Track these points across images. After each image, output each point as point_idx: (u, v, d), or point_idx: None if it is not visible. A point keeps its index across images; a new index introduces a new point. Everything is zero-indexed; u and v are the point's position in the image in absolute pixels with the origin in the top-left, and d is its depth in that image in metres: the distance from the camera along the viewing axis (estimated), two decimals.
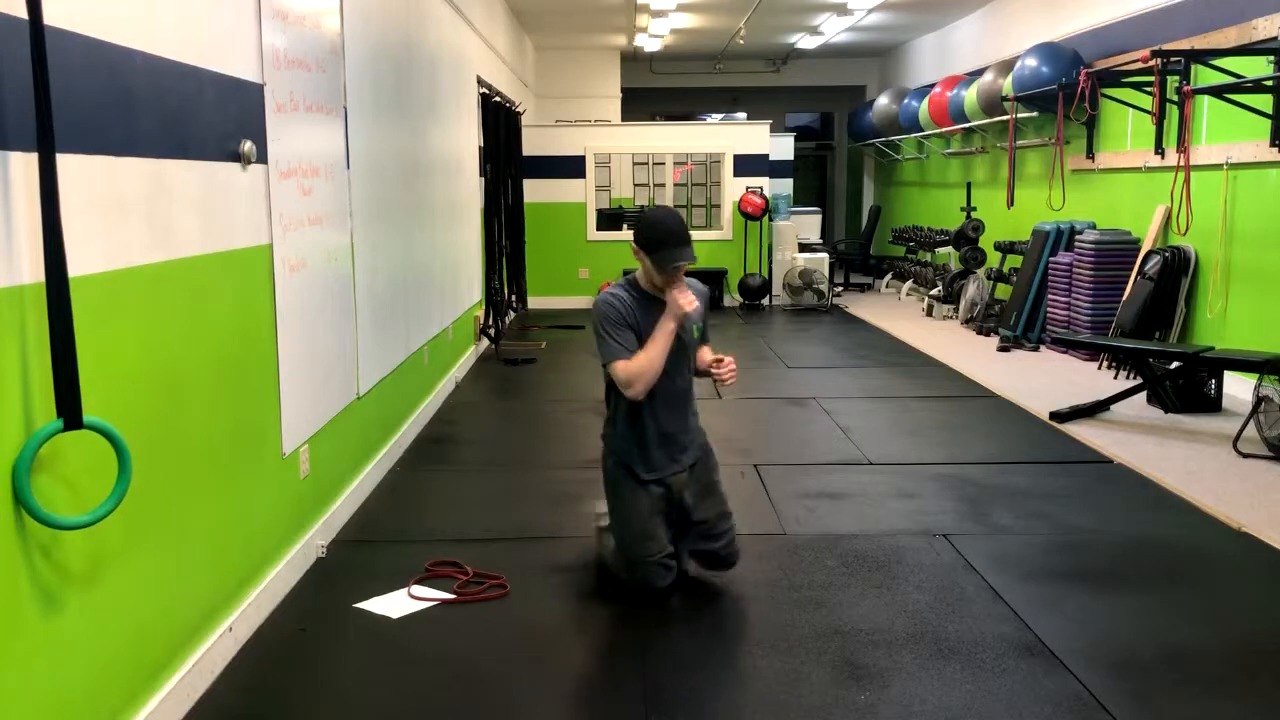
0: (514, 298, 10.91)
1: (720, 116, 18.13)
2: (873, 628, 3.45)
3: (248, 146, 3.35)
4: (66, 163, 2.28)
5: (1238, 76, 6.49)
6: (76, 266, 2.30)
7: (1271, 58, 6.38)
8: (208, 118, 3.12)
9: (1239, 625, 3.48)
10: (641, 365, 3.53)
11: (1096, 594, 3.73)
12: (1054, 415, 6.30)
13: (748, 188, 11.97)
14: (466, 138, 8.36)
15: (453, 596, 3.69)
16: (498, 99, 9.65)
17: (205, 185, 3.09)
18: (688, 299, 3.50)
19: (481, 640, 3.39)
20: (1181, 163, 6.79)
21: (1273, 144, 6.40)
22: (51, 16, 2.21)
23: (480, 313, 9.02)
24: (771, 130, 12.54)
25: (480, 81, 8.90)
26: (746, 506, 4.68)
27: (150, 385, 2.76)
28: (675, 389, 3.69)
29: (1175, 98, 7.23)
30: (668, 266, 3.49)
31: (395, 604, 3.64)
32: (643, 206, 13.68)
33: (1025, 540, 4.28)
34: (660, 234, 3.50)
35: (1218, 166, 6.98)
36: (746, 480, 5.10)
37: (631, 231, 3.54)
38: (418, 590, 3.73)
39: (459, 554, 4.04)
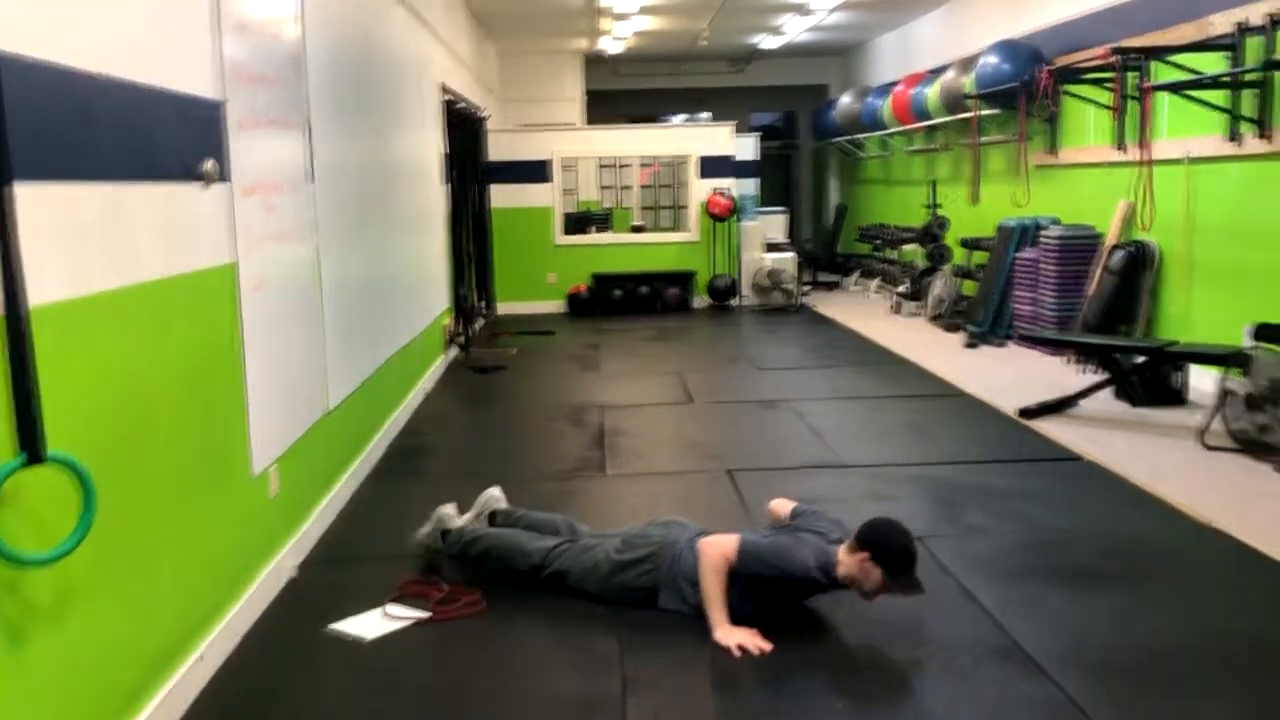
0: (482, 304, 10.86)
1: (684, 117, 18.14)
2: (851, 635, 3.45)
3: (209, 165, 3.30)
4: (22, 190, 2.24)
5: (1195, 72, 6.56)
6: (35, 296, 2.26)
7: (1227, 53, 6.45)
8: (167, 138, 3.07)
9: (1212, 624, 3.51)
10: (709, 583, 3.44)
11: (1070, 594, 3.75)
12: (1023, 412, 6.34)
13: (714, 189, 11.98)
14: (431, 145, 8.31)
15: (428, 615, 3.65)
16: (461, 105, 9.60)
17: (166, 207, 3.05)
18: (756, 648, 3.31)
19: (459, 660, 3.36)
20: (1143, 158, 6.85)
21: (1230, 139, 6.48)
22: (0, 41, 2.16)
23: (449, 321, 8.97)
24: (736, 130, 12.55)
25: (443, 88, 8.85)
26: (722, 514, 4.67)
27: (114, 414, 2.71)
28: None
29: (1135, 94, 7.31)
30: (910, 592, 3.36)
31: (370, 625, 3.60)
32: (610, 210, 13.68)
33: (999, 541, 4.30)
34: (909, 558, 3.35)
35: (1178, 161, 7.05)
36: (721, 487, 5.09)
37: (866, 538, 3.38)
38: (392, 610, 3.68)
39: (433, 570, 4.00)
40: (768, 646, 3.30)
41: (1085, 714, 2.89)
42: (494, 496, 4.27)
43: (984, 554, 4.14)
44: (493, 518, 4.20)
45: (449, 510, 4.09)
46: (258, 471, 3.78)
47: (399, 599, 3.76)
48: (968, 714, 2.96)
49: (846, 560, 3.40)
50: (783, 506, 3.88)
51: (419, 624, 3.59)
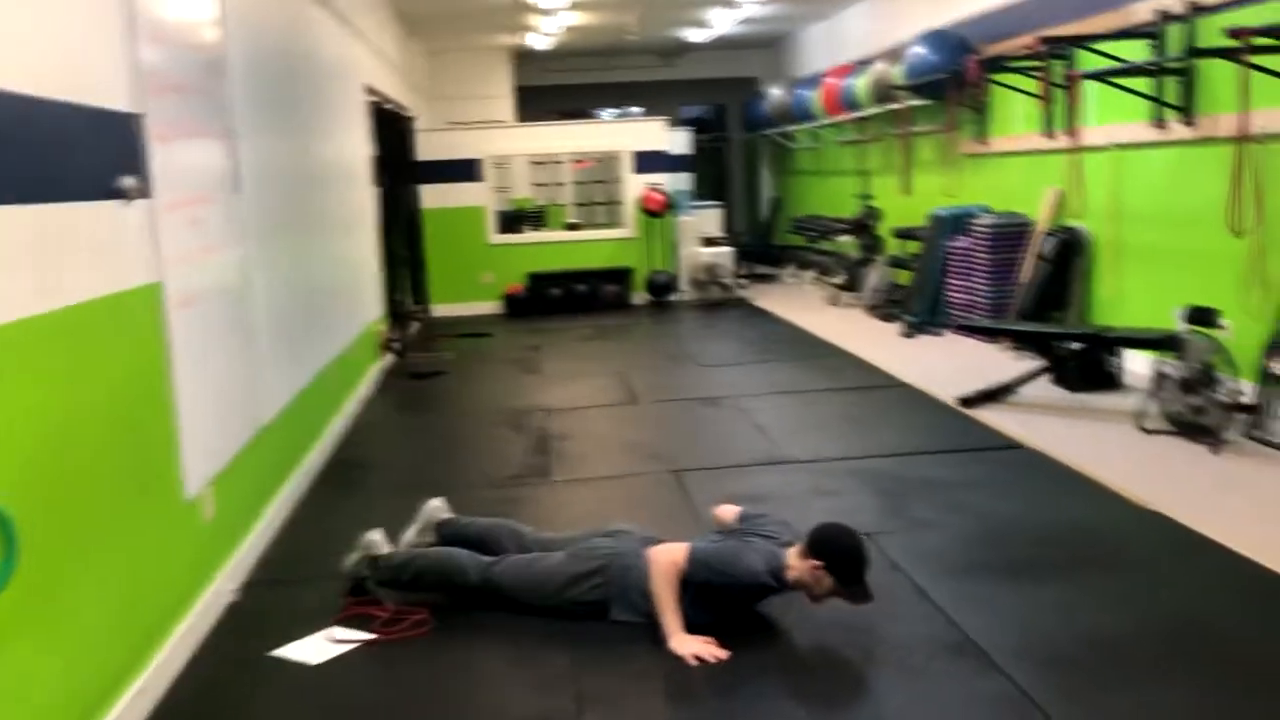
0: (417, 307, 10.71)
1: (614, 112, 18.05)
2: (805, 637, 3.43)
3: (129, 182, 3.17)
4: None
5: (1121, 60, 6.65)
6: None
7: (1151, 41, 6.55)
8: (83, 156, 2.95)
9: (1158, 609, 3.54)
10: (662, 592, 3.40)
11: (1019, 586, 3.77)
12: (963, 401, 6.39)
13: (648, 184, 11.93)
14: (359, 148, 8.16)
15: (374, 636, 3.56)
16: (389, 105, 9.44)
17: (85, 228, 2.92)
18: (712, 656, 3.27)
19: (408, 682, 3.28)
20: (1072, 146, 6.94)
21: (1156, 125, 6.58)
22: None
23: (384, 326, 8.82)
24: (668, 124, 12.51)
25: (369, 90, 8.69)
26: (670, 515, 4.64)
27: (37, 447, 2.59)
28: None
29: (1063, 82, 7.40)
30: (860, 601, 3.36)
31: (314, 649, 3.50)
32: (543, 208, 13.57)
33: (945, 534, 4.31)
34: (860, 568, 3.34)
35: (1105, 148, 7.15)
36: (668, 489, 5.05)
37: (818, 546, 3.35)
38: (337, 632, 3.59)
39: (376, 588, 3.90)
40: (724, 654, 3.27)
41: (1040, 709, 2.90)
42: (436, 508, 4.17)
43: (932, 548, 4.15)
44: (439, 528, 4.11)
45: (376, 537, 3.91)
46: (192, 495, 3.66)
47: (344, 621, 3.67)
48: (924, 713, 2.95)
49: (798, 565, 3.38)
50: (728, 512, 3.85)
51: (365, 646, 3.50)
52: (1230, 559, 3.91)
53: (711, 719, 2.99)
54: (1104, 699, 2.95)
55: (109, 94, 3.16)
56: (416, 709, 3.11)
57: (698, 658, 3.25)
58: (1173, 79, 6.38)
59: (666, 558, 3.44)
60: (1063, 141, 7.60)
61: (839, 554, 3.33)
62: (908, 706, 2.98)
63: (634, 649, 3.39)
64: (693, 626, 3.38)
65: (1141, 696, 2.96)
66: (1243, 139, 5.40)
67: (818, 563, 3.32)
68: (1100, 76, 6.69)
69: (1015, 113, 8.55)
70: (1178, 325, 5.64)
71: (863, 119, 11.71)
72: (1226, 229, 5.70)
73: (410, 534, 4.10)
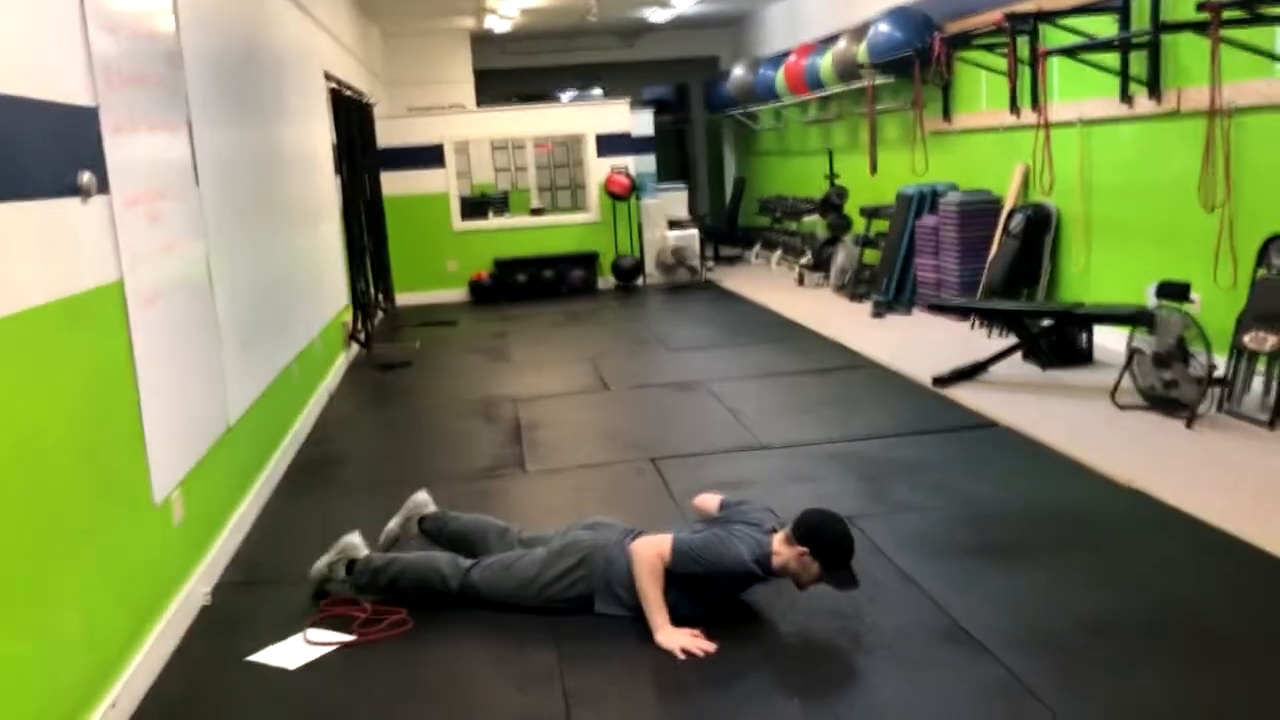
0: (380, 297, 10.56)
1: (573, 94, 17.90)
2: (792, 627, 3.39)
3: (86, 178, 3.05)
4: None
5: (1086, 35, 6.64)
6: None
7: (1115, 15, 6.54)
8: (37, 152, 2.82)
9: (1145, 589, 3.53)
10: (647, 586, 3.33)
11: (1004, 569, 3.75)
12: (936, 380, 6.37)
13: (612, 167, 11.83)
14: (319, 136, 8.01)
15: (352, 638, 3.47)
16: (349, 93, 9.27)
17: (42, 227, 2.80)
18: (700, 650, 3.21)
19: (389, 685, 3.20)
20: (1040, 122, 6.92)
21: (1122, 100, 6.58)
22: None
23: (348, 317, 8.68)
24: (631, 105, 12.41)
25: (328, 76, 8.52)
26: (649, 505, 4.59)
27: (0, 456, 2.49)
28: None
29: (1028, 58, 7.38)
30: (846, 588, 3.31)
31: (291, 652, 3.41)
32: (506, 192, 13.43)
33: (927, 517, 4.28)
34: (846, 554, 3.30)
35: (1071, 124, 7.15)
36: (646, 477, 4.99)
37: (804, 533, 3.30)
38: (314, 634, 3.50)
39: (352, 591, 3.81)
40: (711, 647, 3.22)
41: (1034, 695, 2.87)
42: (421, 502, 4.10)
43: (915, 532, 4.12)
44: (421, 522, 4.03)
45: (354, 540, 3.83)
46: (160, 499, 3.55)
47: (321, 622, 3.58)
48: (920, 701, 2.92)
49: (784, 552, 3.34)
50: (709, 501, 3.80)
51: (344, 648, 3.42)
52: (1212, 535, 3.91)
53: (705, 715, 2.93)
54: (1100, 685, 2.92)
55: (62, 87, 3.03)
56: (400, 712, 3.03)
57: (685, 651, 3.20)
58: (1139, 54, 6.38)
59: (650, 551, 3.38)
60: (1028, 118, 7.59)
61: (825, 540, 3.29)
62: (904, 697, 2.94)
63: (620, 643, 3.33)
64: (679, 618, 3.32)
65: (1137, 680, 2.94)
66: (1214, 113, 5.40)
67: (804, 549, 3.28)
68: (1068, 52, 6.67)
69: (979, 89, 8.54)
70: (1149, 300, 5.65)
71: (826, 98, 11.66)
72: (1197, 203, 5.71)
73: (393, 524, 4.04)
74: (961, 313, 7.95)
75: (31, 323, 2.70)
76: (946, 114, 9.03)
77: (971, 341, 7.44)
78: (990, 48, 7.86)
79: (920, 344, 7.61)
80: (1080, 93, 7.06)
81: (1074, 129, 7.14)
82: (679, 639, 3.24)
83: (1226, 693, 2.87)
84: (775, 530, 3.45)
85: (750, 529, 3.46)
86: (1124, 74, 6.51)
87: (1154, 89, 6.26)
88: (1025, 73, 7.56)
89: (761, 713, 2.89)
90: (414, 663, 3.32)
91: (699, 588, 3.39)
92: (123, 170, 3.38)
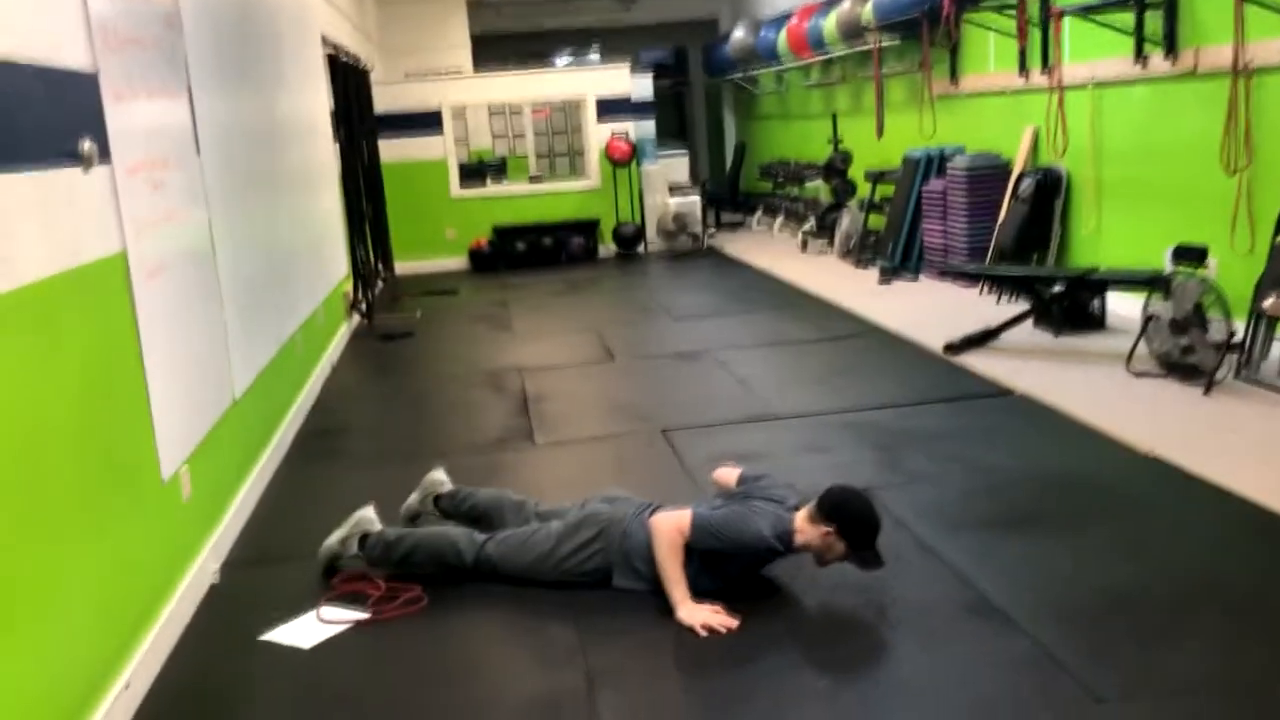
0: (380, 265, 10.44)
1: (568, 58, 17.69)
2: (814, 601, 3.33)
3: (88, 146, 2.95)
4: None
5: None
6: None
7: None
8: (36, 119, 2.72)
9: (1170, 559, 3.47)
10: (667, 561, 3.26)
11: (1026, 539, 3.69)
12: (947, 347, 6.29)
13: (613, 132, 11.68)
14: (317, 102, 7.87)
15: (367, 616, 3.41)
16: (345, 58, 9.11)
17: (43, 197, 2.71)
18: (722, 626, 3.15)
19: (407, 663, 3.14)
20: (1054, 83, 6.81)
21: (1136, 60, 6.46)
22: None
23: (349, 287, 8.58)
24: (631, 69, 12.24)
25: (325, 40, 8.37)
26: (662, 477, 4.53)
27: (3, 436, 2.40)
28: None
29: (1039, 18, 7.25)
30: (871, 568, 3.25)
31: (305, 631, 3.35)
32: (504, 159, 13.27)
33: (946, 488, 4.22)
34: (874, 533, 3.24)
35: (1083, 85, 7.03)
36: (657, 449, 4.92)
37: (832, 511, 3.24)
38: (328, 613, 3.44)
39: (365, 566, 3.74)
40: (734, 623, 3.16)
41: (1065, 669, 2.81)
42: (438, 480, 4.05)
43: (933, 503, 4.06)
44: (437, 500, 3.97)
45: (367, 513, 3.76)
46: (168, 476, 3.47)
47: (334, 599, 3.52)
48: (948, 675, 2.86)
49: (807, 530, 3.27)
50: (728, 475, 3.72)
51: (359, 626, 3.36)
52: (1235, 504, 3.85)
53: (731, 691, 2.87)
54: (1131, 657, 2.87)
55: (62, 50, 2.93)
56: (420, 692, 2.97)
57: (707, 627, 3.14)
58: (1154, 12, 6.26)
59: (670, 525, 3.31)
60: (1037, 80, 7.47)
61: (853, 519, 3.23)
62: (931, 671, 2.88)
63: (640, 618, 3.27)
64: (699, 593, 3.27)
65: (1167, 652, 2.88)
66: (1238, 73, 5.29)
67: (829, 528, 3.21)
68: (1083, 11, 6.54)
69: (987, 51, 8.40)
70: (1166, 265, 5.57)
71: (830, 60, 11.50)
72: (1213, 166, 5.61)
73: (412, 499, 4.00)
74: (969, 278, 7.86)
75: (33, 297, 2.61)
76: (954, 76, 8.89)
77: (980, 307, 7.35)
78: (999, 8, 7.73)
79: (929, 310, 7.52)
80: (1093, 53, 6.93)
81: (1086, 90, 7.02)
82: (700, 615, 3.18)
83: (1260, 665, 2.80)
84: (797, 507, 3.39)
85: (771, 504, 3.39)
86: (1139, 33, 6.38)
87: (1170, 48, 6.14)
88: (1035, 34, 7.43)
89: (787, 689, 2.83)
90: (431, 641, 3.26)
91: (719, 563, 3.32)
92: (124, 138, 3.28)
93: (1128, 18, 6.43)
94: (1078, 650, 2.90)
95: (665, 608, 3.26)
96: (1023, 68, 7.69)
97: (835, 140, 11.03)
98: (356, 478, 4.82)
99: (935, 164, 8.84)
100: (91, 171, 3.00)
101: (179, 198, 3.93)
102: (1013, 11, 7.54)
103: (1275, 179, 5.43)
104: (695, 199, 12.11)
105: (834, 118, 11.20)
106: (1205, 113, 5.85)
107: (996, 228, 7.96)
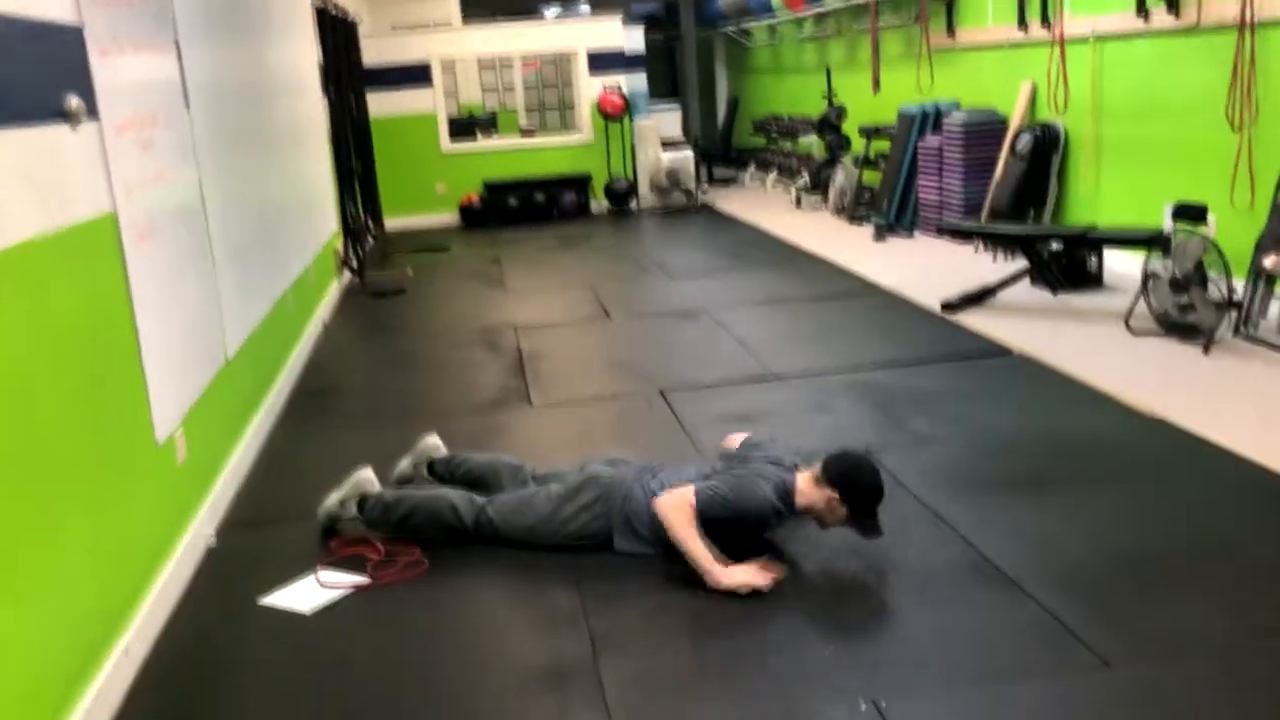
0: (369, 222, 10.33)
1: (557, 10, 17.42)
2: (821, 567, 3.30)
3: (74, 103, 2.86)
4: None
5: None
6: None
7: None
8: (21, 74, 2.63)
9: (1175, 522, 3.46)
10: (685, 538, 3.18)
11: (1030, 502, 3.66)
12: (945, 306, 6.25)
13: (605, 86, 11.53)
14: (305, 57, 7.73)
15: (367, 580, 3.38)
16: (333, 10, 8.94)
17: (29, 155, 2.62)
18: (767, 580, 3.12)
19: (408, 628, 3.11)
20: (1055, 37, 6.71)
21: (1138, 14, 6.37)
22: None
23: (339, 244, 8.48)
24: (623, 21, 12.05)
25: None
26: (661, 437, 4.49)
27: None
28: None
29: None
30: (871, 536, 3.21)
31: (305, 595, 3.32)
32: (494, 113, 13.10)
33: (948, 449, 4.19)
34: (877, 501, 3.21)
35: (1084, 39, 6.94)
36: (656, 410, 4.88)
37: (836, 476, 3.21)
38: (327, 577, 3.40)
39: (364, 528, 3.70)
40: (781, 573, 3.14)
41: (1077, 637, 2.79)
42: (433, 444, 3.99)
43: (936, 464, 4.03)
44: (431, 466, 3.92)
45: (366, 474, 3.71)
46: (163, 439, 3.42)
47: (334, 563, 3.48)
48: (956, 641, 2.84)
49: (810, 493, 3.24)
50: (733, 440, 3.69)
51: (359, 591, 3.32)
52: (1238, 465, 3.83)
53: (736, 657, 2.84)
54: (1140, 620, 2.85)
55: (45, 2, 2.83)
56: (422, 658, 2.95)
57: (749, 587, 3.09)
58: None
59: (679, 500, 3.26)
60: (1038, 34, 7.37)
61: (858, 486, 3.20)
62: (939, 637, 2.86)
63: (643, 583, 3.24)
64: None
65: (1175, 618, 2.86)
66: (1243, 27, 5.21)
67: (834, 493, 3.18)
68: None
69: (985, 4, 8.28)
70: (1166, 223, 5.52)
71: (824, 14, 11.35)
72: (1213, 123, 5.54)
73: (404, 464, 3.94)
74: (965, 235, 7.80)
75: (22, 259, 2.54)
76: (950, 29, 8.77)
77: (977, 265, 7.31)
78: None
79: (925, 268, 7.47)
80: (1094, 7, 6.83)
81: (1086, 45, 6.93)
82: (739, 575, 3.11)
83: (1266, 626, 2.79)
84: (796, 466, 3.36)
85: (774, 467, 3.36)
86: None
87: (1173, 2, 6.05)
88: None
89: (794, 655, 2.81)
90: (433, 605, 3.23)
91: (722, 529, 3.29)
92: (112, 94, 3.19)
93: None
94: (1087, 614, 2.89)
95: (668, 572, 3.23)
96: (1022, 21, 7.58)
97: (830, 95, 10.90)
98: (351, 438, 4.77)
99: (931, 119, 8.75)
100: (79, 129, 2.91)
101: (169, 156, 3.84)
102: None
103: (1276, 136, 5.37)
104: (688, 154, 11.98)
105: (828, 72, 11.06)
106: (1207, 68, 5.78)
107: (993, 185, 7.89)
